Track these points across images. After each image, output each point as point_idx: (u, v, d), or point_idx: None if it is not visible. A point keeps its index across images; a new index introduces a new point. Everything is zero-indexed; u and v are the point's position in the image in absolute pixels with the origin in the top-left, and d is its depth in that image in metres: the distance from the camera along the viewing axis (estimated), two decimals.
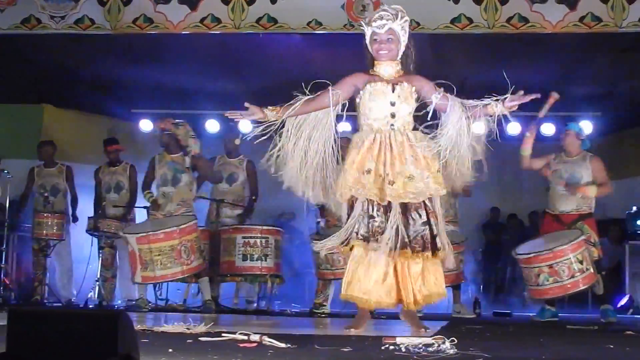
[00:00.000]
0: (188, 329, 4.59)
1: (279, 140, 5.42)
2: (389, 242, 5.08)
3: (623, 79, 10.40)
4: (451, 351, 3.48)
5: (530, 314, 8.39)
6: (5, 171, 9.95)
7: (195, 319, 5.73)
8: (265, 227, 9.12)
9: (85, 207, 10.36)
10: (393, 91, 5.34)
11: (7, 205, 10.11)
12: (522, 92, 5.18)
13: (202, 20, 8.74)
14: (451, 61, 9.16)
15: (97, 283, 9.57)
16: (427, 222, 5.23)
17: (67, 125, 12.13)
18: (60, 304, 9.77)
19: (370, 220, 5.20)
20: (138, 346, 2.46)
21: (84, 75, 10.70)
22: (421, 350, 3.51)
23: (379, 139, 5.29)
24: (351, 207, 5.29)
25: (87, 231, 9.90)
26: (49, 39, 9.10)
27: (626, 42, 8.92)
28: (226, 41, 9.22)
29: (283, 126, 5.42)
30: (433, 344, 3.61)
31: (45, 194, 10.09)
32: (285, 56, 9.40)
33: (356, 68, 5.53)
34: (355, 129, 5.70)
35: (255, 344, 3.67)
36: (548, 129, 11.77)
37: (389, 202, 5.19)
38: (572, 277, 7.38)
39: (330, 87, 5.35)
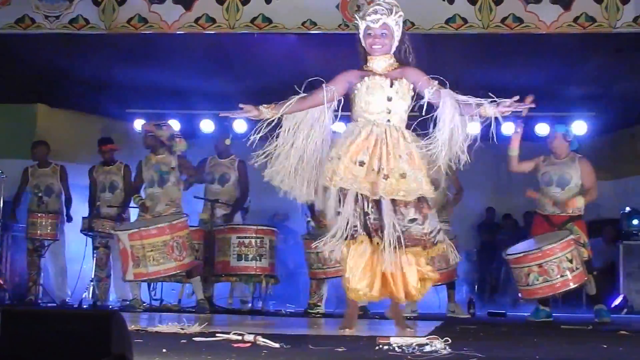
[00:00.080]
0: (182, 329, 4.58)
1: (276, 140, 5.41)
2: (392, 238, 5.07)
3: (617, 79, 10.43)
4: (445, 351, 3.48)
5: (525, 314, 8.39)
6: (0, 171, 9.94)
7: (190, 319, 5.73)
8: (260, 227, 9.11)
9: (79, 207, 10.35)
10: (391, 86, 5.31)
11: (1, 205, 10.09)
12: (517, 97, 5.14)
13: (196, 20, 8.74)
14: (446, 61, 9.16)
15: (92, 283, 9.56)
16: (415, 219, 5.21)
17: (61, 125, 12.12)
18: (54, 304, 9.75)
19: (366, 217, 5.19)
20: (132, 346, 2.46)
21: (78, 75, 10.68)
22: (415, 350, 3.51)
23: (376, 132, 5.26)
24: (340, 199, 5.25)
25: (81, 231, 9.89)
26: (43, 39, 9.09)
27: (620, 42, 8.94)
28: (221, 41, 9.23)
29: (279, 126, 5.40)
30: (427, 344, 3.61)
31: (40, 194, 10.08)
32: (280, 56, 9.41)
33: (351, 68, 5.53)
34: None
35: (249, 344, 3.67)
36: (542, 129, 11.80)
37: (380, 197, 5.18)
38: (562, 276, 7.39)
39: (324, 85, 5.34)
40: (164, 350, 3.37)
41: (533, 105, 5.22)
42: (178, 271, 8.37)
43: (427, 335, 3.89)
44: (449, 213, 9.00)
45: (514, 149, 8.08)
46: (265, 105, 5.30)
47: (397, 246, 5.08)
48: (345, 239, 5.21)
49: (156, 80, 10.89)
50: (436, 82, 5.26)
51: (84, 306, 9.28)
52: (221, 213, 9.46)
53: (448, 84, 5.21)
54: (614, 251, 11.42)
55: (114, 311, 2.44)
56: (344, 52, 6.07)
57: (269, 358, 3.27)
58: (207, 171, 9.70)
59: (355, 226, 5.16)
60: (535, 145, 8.65)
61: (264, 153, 5.43)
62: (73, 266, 10.18)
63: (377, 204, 5.19)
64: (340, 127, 5.71)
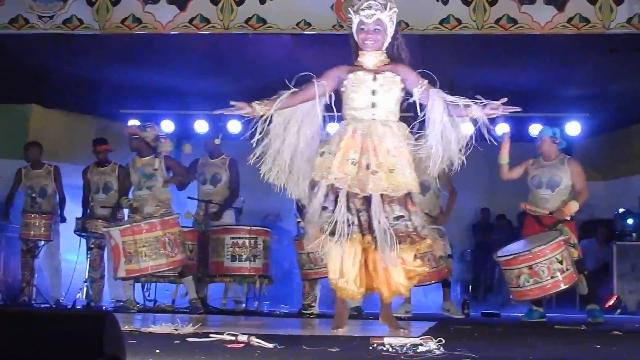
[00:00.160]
0: (176, 329, 4.57)
1: (267, 137, 5.38)
2: (384, 235, 5.06)
3: (611, 80, 10.44)
4: (438, 351, 3.48)
5: (519, 315, 8.40)
6: None
7: (183, 319, 5.72)
8: (253, 228, 9.12)
9: (73, 208, 10.34)
10: (375, 80, 5.29)
11: None
12: (505, 99, 5.13)
13: (191, 21, 8.74)
14: (440, 62, 9.15)
15: (85, 284, 9.55)
16: (401, 216, 5.17)
17: (55, 125, 12.11)
18: (48, 305, 9.73)
19: (358, 214, 5.17)
20: (125, 347, 2.45)
21: (72, 75, 10.67)
22: (409, 350, 3.51)
23: (360, 130, 5.23)
24: (329, 195, 5.24)
25: (75, 232, 9.87)
26: (37, 39, 9.09)
27: (614, 43, 8.95)
28: (215, 41, 9.22)
29: (270, 123, 5.38)
30: (420, 344, 3.61)
31: (33, 195, 10.08)
32: (275, 56, 9.40)
33: None
34: None
35: (243, 345, 3.67)
36: (536, 130, 11.79)
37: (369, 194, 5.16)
38: (552, 277, 7.40)
39: (315, 79, 5.33)
40: (157, 351, 3.36)
41: (519, 109, 5.20)
42: (170, 267, 8.36)
43: (420, 336, 3.89)
44: (443, 222, 9.01)
45: (504, 158, 8.09)
46: (257, 102, 5.28)
47: (388, 242, 5.06)
48: (333, 236, 5.18)
49: (150, 80, 10.88)
50: (426, 81, 5.23)
51: (78, 307, 9.27)
52: (211, 211, 9.45)
53: (438, 83, 5.19)
54: (607, 252, 11.45)
55: (107, 312, 2.44)
56: (338, 53, 6.06)
57: (262, 358, 3.27)
58: (198, 172, 9.69)
59: (350, 225, 5.15)
60: (530, 146, 8.65)
61: (258, 151, 5.41)
62: (67, 266, 10.17)
63: (367, 201, 5.18)
64: (333, 127, 5.69)
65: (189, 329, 4.59)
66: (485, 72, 9.97)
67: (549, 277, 7.39)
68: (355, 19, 5.36)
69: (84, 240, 9.81)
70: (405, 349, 3.55)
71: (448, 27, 8.57)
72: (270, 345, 3.60)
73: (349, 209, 5.16)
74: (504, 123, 11.86)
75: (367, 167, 5.15)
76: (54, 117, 12.22)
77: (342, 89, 5.36)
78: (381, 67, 5.34)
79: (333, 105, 5.43)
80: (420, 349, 3.54)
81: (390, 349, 3.56)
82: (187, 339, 4.02)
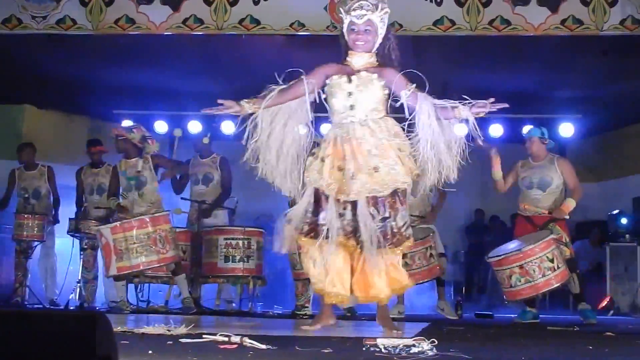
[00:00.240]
0: (169, 330, 4.57)
1: (254, 133, 5.35)
2: (370, 240, 5.04)
3: (604, 81, 10.46)
4: (431, 352, 3.48)
5: (512, 316, 8.41)
6: None
7: (176, 320, 5.72)
8: (247, 229, 9.11)
9: (65, 208, 10.33)
10: (349, 82, 5.26)
11: None
12: (492, 99, 5.09)
13: (184, 21, 8.73)
14: (433, 63, 9.16)
15: (78, 285, 9.54)
16: (387, 218, 5.12)
17: (48, 125, 12.11)
18: (40, 306, 9.72)
19: (340, 218, 5.15)
20: (117, 348, 2.44)
21: (65, 76, 10.65)
22: (402, 351, 3.51)
23: (339, 136, 5.22)
24: (317, 199, 5.22)
25: (68, 232, 9.87)
26: (30, 39, 9.06)
27: (607, 44, 8.97)
28: (209, 42, 9.21)
29: (257, 118, 5.36)
30: (413, 345, 3.61)
31: (26, 196, 10.08)
32: (268, 57, 9.39)
33: None
34: None
35: (235, 346, 3.67)
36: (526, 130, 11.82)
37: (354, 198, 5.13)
38: (544, 275, 7.40)
39: (303, 77, 5.32)
40: (150, 351, 3.36)
41: (506, 105, 5.17)
42: (161, 264, 8.35)
43: (414, 337, 3.89)
44: (430, 221, 9.01)
45: (497, 174, 8.12)
46: (246, 100, 5.28)
47: (375, 246, 5.04)
48: (314, 239, 5.17)
49: (144, 81, 10.87)
50: (413, 85, 5.20)
51: (71, 308, 9.26)
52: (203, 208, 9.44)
53: (428, 85, 5.16)
54: (600, 253, 11.48)
55: (99, 313, 2.43)
56: (332, 54, 6.05)
57: (255, 359, 3.26)
58: (190, 172, 9.69)
59: (337, 229, 5.12)
60: (525, 147, 8.63)
61: (249, 150, 5.38)
62: (60, 267, 10.16)
63: (352, 205, 5.16)
64: (326, 128, 5.68)
65: (182, 329, 4.58)
66: (479, 73, 9.98)
67: (540, 276, 7.39)
68: (346, 19, 5.34)
69: (77, 241, 9.81)
70: (398, 350, 3.55)
71: (442, 28, 8.57)
72: (263, 346, 3.59)
73: (334, 213, 5.14)
74: (497, 124, 11.91)
75: (348, 172, 5.13)
76: (47, 117, 12.22)
77: (324, 96, 5.35)
78: (367, 68, 5.31)
79: (324, 101, 5.42)
80: (413, 350, 3.54)
81: (383, 350, 3.57)
82: (179, 339, 4.02)
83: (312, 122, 5.49)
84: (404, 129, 5.25)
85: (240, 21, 8.69)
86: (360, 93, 5.25)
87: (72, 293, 9.55)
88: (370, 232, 5.04)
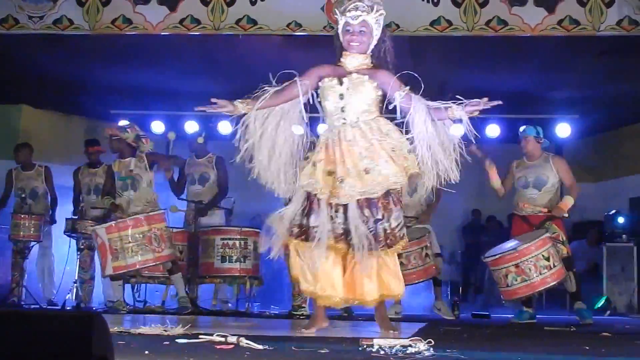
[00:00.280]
0: (165, 330, 4.57)
1: (246, 133, 5.33)
2: (360, 243, 5.01)
3: (601, 81, 10.47)
4: (428, 353, 3.49)
5: (509, 316, 8.41)
6: None
7: (173, 320, 5.71)
8: (244, 229, 9.11)
9: (61, 208, 10.33)
10: (341, 84, 5.24)
11: None
12: (486, 98, 5.05)
13: (181, 22, 8.72)
14: (430, 64, 9.18)
15: (75, 285, 9.54)
16: (379, 220, 5.09)
17: (45, 125, 12.11)
18: (37, 306, 9.72)
19: (332, 221, 5.12)
20: (113, 348, 2.45)
21: (62, 76, 10.64)
22: (398, 351, 3.51)
23: (330, 140, 5.21)
24: (309, 202, 5.18)
25: (64, 232, 9.86)
26: (27, 39, 9.04)
27: (604, 45, 8.98)
28: (206, 42, 9.21)
29: (249, 119, 5.35)
30: (410, 345, 3.61)
31: (23, 196, 10.07)
32: (265, 57, 9.39)
33: None
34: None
35: (232, 346, 3.67)
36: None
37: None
38: (540, 274, 7.39)
39: (297, 78, 5.30)
40: (147, 352, 3.35)
41: (500, 102, 5.12)
42: (157, 262, 8.34)
43: (410, 337, 3.89)
44: (424, 222, 9.01)
45: (496, 183, 8.12)
46: (240, 101, 5.26)
47: (366, 249, 5.01)
48: (305, 241, 5.16)
49: (141, 81, 10.86)
50: (407, 87, 5.17)
51: (68, 308, 9.25)
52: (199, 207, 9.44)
53: (423, 87, 5.13)
54: (597, 253, 11.48)
55: (96, 313, 2.43)
56: (329, 54, 6.05)
57: (252, 359, 3.27)
58: (186, 172, 9.69)
59: (329, 231, 5.09)
60: (519, 147, 8.63)
61: (242, 149, 5.36)
62: (60, 267, 10.16)
63: (343, 208, 5.13)
64: (322, 128, 5.67)
65: (179, 330, 4.57)
66: (476, 74, 9.99)
67: (536, 275, 7.39)
68: (341, 20, 5.31)
69: (74, 241, 9.81)
70: (394, 350, 3.55)
71: (438, 28, 8.57)
72: (260, 347, 3.59)
73: (325, 216, 5.12)
74: (494, 124, 11.92)
75: (337, 177, 5.10)
76: (44, 117, 12.21)
77: (318, 99, 5.35)
78: (361, 70, 5.29)
79: (317, 104, 5.41)
80: (410, 350, 3.55)
81: (380, 351, 3.57)
82: (176, 340, 4.01)
83: (307, 123, 5.49)
84: (400, 130, 5.22)
85: (237, 21, 8.68)
86: (351, 95, 5.23)
87: (68, 293, 9.54)
88: (360, 235, 5.01)
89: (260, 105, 5.26)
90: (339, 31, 5.36)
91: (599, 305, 10.56)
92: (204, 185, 9.60)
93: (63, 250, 10.01)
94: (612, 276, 11.03)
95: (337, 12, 5.38)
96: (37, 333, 2.33)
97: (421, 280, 8.78)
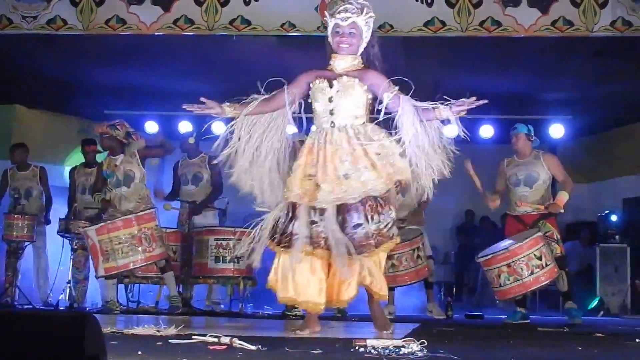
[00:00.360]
0: (158, 331, 4.56)
1: (231, 137, 5.31)
2: (337, 249, 4.94)
3: (594, 82, 10.49)
4: (421, 353, 3.49)
5: (502, 317, 8.42)
6: None
7: (167, 321, 5.71)
8: (238, 229, 9.09)
9: (54, 208, 10.32)
10: (331, 86, 5.20)
11: None
12: (474, 98, 4.98)
13: (175, 22, 8.72)
14: (424, 64, 9.18)
15: (68, 285, 9.53)
16: (359, 224, 5.02)
17: (38, 126, 12.08)
18: (30, 307, 9.70)
19: (313, 225, 5.07)
20: (106, 348, 2.44)
21: (56, 76, 10.63)
22: (391, 352, 3.51)
23: (316, 142, 5.18)
24: (292, 210, 5.15)
25: (58, 232, 9.85)
26: (20, 39, 9.04)
27: (598, 46, 9.00)
28: (200, 42, 9.21)
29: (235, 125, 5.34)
30: (403, 346, 3.61)
31: (16, 196, 10.06)
32: (259, 57, 9.40)
33: None
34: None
35: (225, 346, 3.66)
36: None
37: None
38: (532, 273, 7.40)
39: (285, 87, 5.28)
40: (139, 352, 3.35)
41: (486, 101, 5.08)
42: (148, 262, 8.32)
43: (403, 338, 3.89)
44: (417, 222, 9.01)
45: (479, 186, 8.11)
46: (229, 104, 5.24)
47: (344, 254, 4.94)
48: (284, 248, 5.15)
49: (134, 81, 10.86)
50: (396, 87, 5.14)
51: (61, 308, 9.24)
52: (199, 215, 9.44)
53: (413, 87, 5.11)
54: (590, 254, 11.51)
55: (88, 313, 2.43)
56: (323, 54, 6.04)
57: None
58: (179, 173, 9.68)
59: (306, 238, 5.04)
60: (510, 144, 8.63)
61: (224, 153, 5.35)
62: (54, 268, 10.15)
63: (324, 212, 5.08)
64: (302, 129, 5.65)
65: (172, 330, 4.57)
66: (470, 75, 10.01)
67: (528, 274, 7.40)
68: (331, 22, 5.28)
69: (67, 241, 9.80)
70: (388, 350, 3.55)
71: (432, 29, 8.57)
72: (253, 347, 3.59)
73: (304, 222, 5.07)
74: (488, 125, 11.94)
75: (316, 181, 5.08)
76: (38, 117, 12.19)
77: (310, 99, 5.33)
78: (350, 71, 5.25)
79: (302, 112, 5.39)
80: (403, 350, 3.54)
81: (373, 351, 3.56)
82: (169, 340, 4.01)
83: (298, 125, 5.48)
84: (390, 134, 5.18)
85: (231, 22, 8.68)
86: (340, 98, 5.19)
87: (61, 294, 9.53)
88: (337, 241, 4.95)
89: (247, 112, 5.25)
90: (329, 33, 5.34)
91: (592, 306, 10.59)
92: (197, 185, 9.58)
93: (57, 250, 9.99)
94: (606, 277, 11.07)
95: (326, 14, 5.37)
96: (30, 333, 2.33)
97: (413, 281, 8.80)
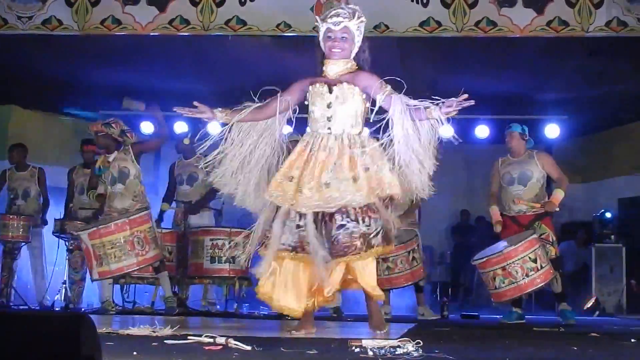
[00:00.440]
0: (154, 331, 4.56)
1: (223, 142, 5.30)
2: (316, 252, 4.92)
3: (590, 83, 10.51)
4: (417, 353, 3.49)
5: (498, 317, 8.42)
6: None
7: (162, 321, 5.70)
8: (233, 230, 9.09)
9: (50, 209, 10.31)
10: (330, 92, 5.19)
11: None
12: (464, 96, 4.87)
13: (170, 22, 8.71)
14: (420, 65, 9.19)
15: (64, 286, 9.52)
16: (342, 225, 4.98)
17: (34, 126, 12.07)
18: (26, 307, 9.69)
19: (298, 229, 5.05)
20: (101, 349, 2.44)
21: (51, 76, 10.62)
22: (387, 352, 3.52)
23: (311, 145, 5.16)
24: (273, 212, 5.15)
25: (53, 233, 9.84)
26: (16, 40, 9.02)
27: (593, 46, 9.01)
28: (195, 43, 9.20)
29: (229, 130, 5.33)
30: (399, 346, 3.61)
31: (12, 196, 10.05)
32: (255, 58, 9.40)
33: None
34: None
35: (221, 347, 3.66)
36: None
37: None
38: (527, 276, 7.41)
39: (279, 95, 5.26)
40: (135, 353, 3.35)
41: (472, 102, 5.02)
42: (141, 266, 8.28)
43: (399, 338, 3.89)
44: (412, 224, 9.01)
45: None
46: (221, 110, 5.23)
47: (325, 258, 4.92)
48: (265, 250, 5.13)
49: (130, 81, 10.84)
50: (389, 87, 5.12)
51: (56, 309, 9.23)
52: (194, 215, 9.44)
53: (405, 87, 5.10)
54: (586, 254, 11.52)
55: (84, 314, 2.42)
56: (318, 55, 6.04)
57: None
58: (175, 174, 9.68)
59: (284, 243, 5.04)
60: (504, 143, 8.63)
61: (212, 156, 5.35)
62: (50, 268, 10.14)
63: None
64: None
65: (167, 331, 4.57)
66: (465, 75, 9.99)
67: (523, 277, 7.41)
68: (323, 27, 5.26)
69: (62, 242, 9.79)
70: (383, 351, 3.55)
71: (428, 29, 8.57)
72: (248, 348, 3.59)
73: (286, 225, 5.07)
74: (483, 125, 11.94)
75: (297, 182, 5.06)
76: (34, 118, 12.18)
77: (306, 102, 5.31)
78: (343, 75, 5.23)
79: (293, 120, 5.38)
80: (399, 351, 3.55)
81: (369, 351, 3.56)
82: (165, 341, 4.01)
83: (286, 135, 5.48)
84: (383, 151, 5.11)
85: (227, 22, 8.67)
86: (339, 105, 5.18)
87: (57, 294, 9.52)
88: (314, 245, 4.93)
89: (239, 119, 5.24)
90: (320, 39, 5.31)
91: (588, 306, 10.60)
92: (192, 185, 9.58)
93: (54, 251, 9.99)
94: (601, 277, 11.08)
95: (318, 20, 5.36)
96: (25, 334, 2.32)
97: (409, 283, 8.81)
